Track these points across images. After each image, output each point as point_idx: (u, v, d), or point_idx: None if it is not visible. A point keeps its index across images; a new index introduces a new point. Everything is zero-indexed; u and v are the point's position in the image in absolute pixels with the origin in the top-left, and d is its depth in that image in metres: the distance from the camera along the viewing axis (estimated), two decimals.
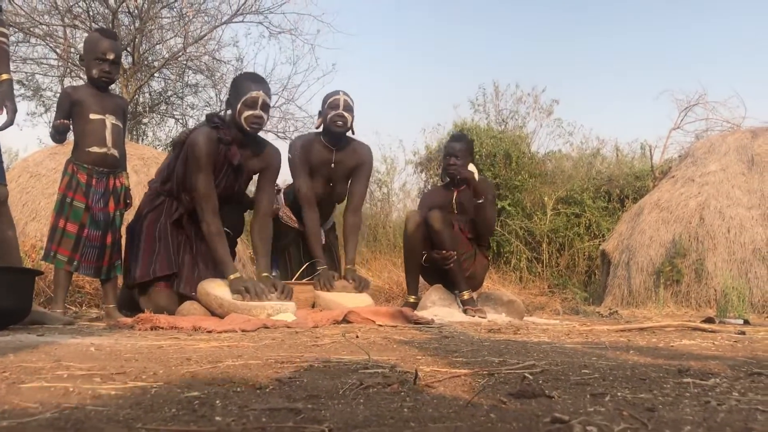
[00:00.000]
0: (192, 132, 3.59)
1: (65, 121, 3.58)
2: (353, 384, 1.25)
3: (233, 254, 4.13)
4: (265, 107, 3.60)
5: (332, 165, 4.33)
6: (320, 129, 4.33)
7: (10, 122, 3.18)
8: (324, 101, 4.30)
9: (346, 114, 4.20)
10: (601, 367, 1.57)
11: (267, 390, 1.21)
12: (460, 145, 4.43)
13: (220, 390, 1.19)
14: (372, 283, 6.39)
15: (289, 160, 4.32)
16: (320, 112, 4.32)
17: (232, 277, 3.46)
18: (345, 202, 4.55)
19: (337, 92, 4.28)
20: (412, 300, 4.43)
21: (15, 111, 3.19)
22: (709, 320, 4.09)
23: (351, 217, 4.39)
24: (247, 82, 3.64)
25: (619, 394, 1.18)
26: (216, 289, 3.49)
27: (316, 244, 4.19)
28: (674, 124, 10.93)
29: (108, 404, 1.06)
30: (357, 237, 4.41)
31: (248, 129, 3.55)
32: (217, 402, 1.08)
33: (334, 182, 4.40)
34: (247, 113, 3.53)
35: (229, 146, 3.59)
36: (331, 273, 4.08)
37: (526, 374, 1.22)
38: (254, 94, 3.55)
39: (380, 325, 3.22)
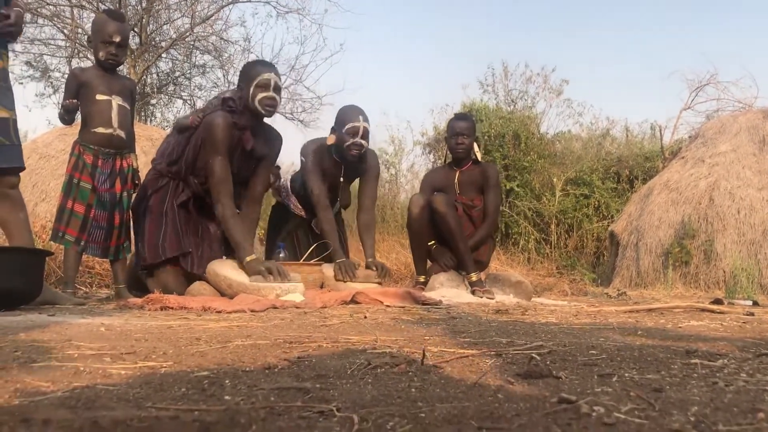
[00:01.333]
0: (208, 115, 3.59)
1: (74, 100, 3.59)
2: (361, 364, 1.26)
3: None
4: (278, 89, 3.61)
5: (341, 179, 4.37)
6: (331, 143, 4.22)
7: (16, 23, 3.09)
8: (340, 121, 4.18)
9: (364, 142, 4.16)
10: (608, 348, 1.58)
11: (276, 370, 1.22)
12: (467, 123, 4.43)
13: (229, 370, 1.20)
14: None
15: (302, 163, 4.31)
16: (334, 129, 4.21)
17: (248, 258, 3.47)
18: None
19: (356, 117, 4.14)
20: (422, 279, 4.44)
21: (21, 16, 3.10)
22: (717, 301, 4.08)
23: (364, 216, 4.38)
24: (257, 66, 3.68)
25: (626, 374, 1.18)
26: (225, 269, 3.51)
27: (335, 240, 4.16)
28: (685, 104, 10.85)
29: (118, 383, 1.07)
30: (373, 234, 4.40)
31: (263, 111, 3.56)
32: (227, 381, 1.09)
33: (341, 189, 4.44)
34: (261, 95, 3.54)
35: (243, 131, 3.61)
36: (353, 262, 4.08)
37: (534, 355, 1.22)
38: (266, 76, 3.57)
39: (388, 306, 3.23)
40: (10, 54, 3.28)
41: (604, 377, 1.15)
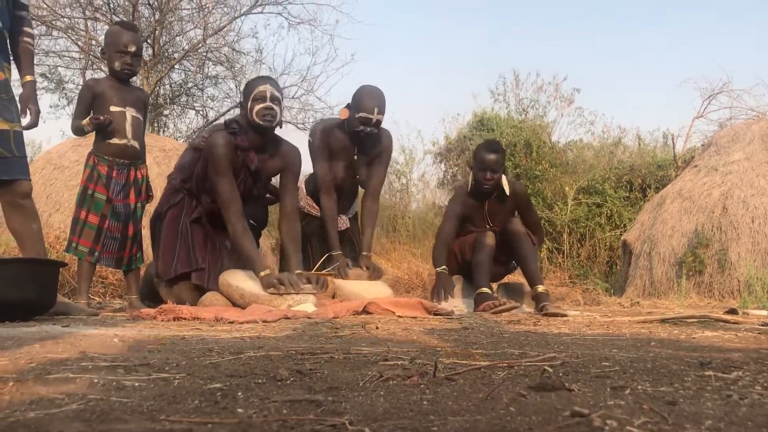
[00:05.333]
0: (210, 136, 3.62)
1: (107, 116, 3.61)
2: (373, 376, 1.26)
3: (258, 247, 4.17)
4: (275, 100, 3.60)
5: (355, 156, 4.31)
6: (344, 117, 4.19)
7: (33, 124, 3.24)
8: (356, 104, 4.11)
9: (374, 130, 4.13)
10: (621, 359, 1.57)
11: (288, 382, 1.22)
12: (497, 156, 4.10)
13: (242, 382, 1.21)
14: (391, 273, 6.40)
15: (309, 144, 4.29)
16: (349, 106, 4.16)
17: (262, 274, 3.48)
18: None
19: (372, 108, 4.06)
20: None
21: (38, 113, 3.26)
22: (732, 311, 4.05)
23: (369, 204, 4.36)
24: (253, 82, 3.72)
25: (639, 387, 1.17)
26: (237, 280, 3.52)
27: (332, 230, 4.17)
28: (697, 112, 10.79)
29: (132, 396, 1.07)
30: (374, 224, 4.40)
31: (261, 123, 3.56)
32: (239, 394, 1.09)
33: (356, 169, 4.36)
34: (257, 107, 3.55)
35: (247, 152, 3.62)
36: (345, 261, 4.09)
37: (546, 367, 1.22)
38: (261, 88, 3.59)
39: (400, 317, 3.23)
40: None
41: (617, 390, 1.15)
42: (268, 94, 3.58)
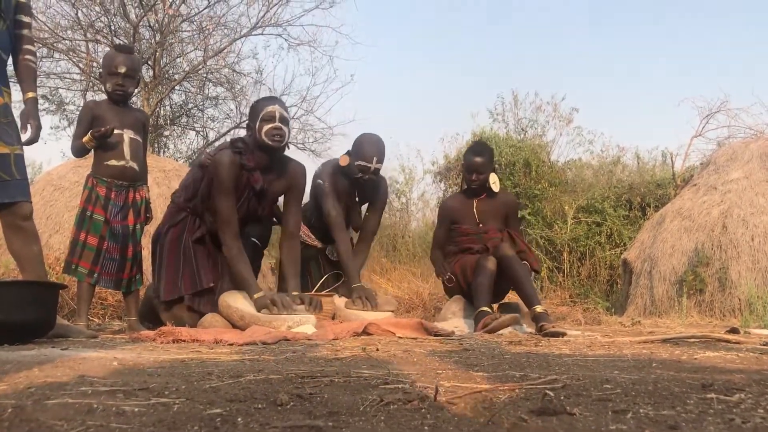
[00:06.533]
0: (215, 155, 3.63)
1: (107, 127, 3.62)
2: (374, 400, 1.25)
3: (258, 267, 4.16)
4: (284, 120, 3.63)
5: (356, 198, 4.40)
6: (343, 164, 4.22)
7: (34, 139, 3.24)
8: (356, 151, 4.18)
9: (373, 178, 4.20)
10: (623, 381, 1.56)
11: (288, 406, 1.22)
12: (482, 159, 4.34)
13: (241, 407, 1.20)
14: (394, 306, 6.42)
15: (318, 185, 4.30)
16: (349, 152, 4.23)
17: (256, 296, 3.48)
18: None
19: (371, 157, 4.13)
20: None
21: (39, 128, 3.26)
22: (733, 330, 4.03)
23: (361, 245, 4.44)
24: (261, 102, 3.73)
25: (641, 410, 1.17)
26: (237, 301, 3.51)
27: (351, 266, 4.14)
28: (696, 131, 10.80)
29: (131, 422, 1.07)
30: (363, 263, 4.45)
31: (270, 143, 3.57)
32: (239, 419, 1.09)
33: (353, 210, 4.44)
34: (266, 127, 3.56)
35: (252, 172, 3.63)
36: (372, 290, 4.09)
37: (547, 391, 1.21)
38: (270, 108, 3.61)
39: (400, 338, 3.22)
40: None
41: (618, 413, 1.14)
42: (277, 115, 3.60)
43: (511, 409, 1.17)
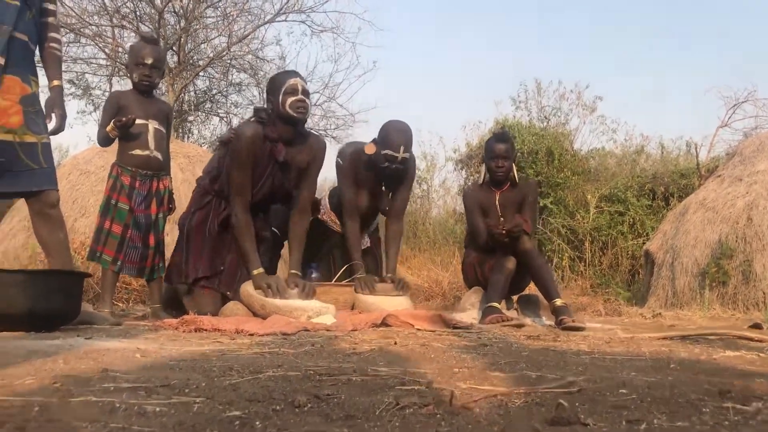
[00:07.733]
0: (239, 126, 3.66)
1: (129, 117, 3.67)
2: (389, 404, 1.27)
3: (279, 256, 4.20)
4: (306, 93, 3.64)
5: (382, 186, 4.31)
6: (369, 153, 4.15)
7: (59, 128, 3.28)
8: (382, 139, 4.10)
9: (400, 167, 4.12)
10: (639, 385, 1.56)
11: (305, 408, 1.24)
12: (506, 145, 4.29)
13: (260, 409, 1.22)
14: (411, 283, 6.39)
15: (338, 165, 4.28)
16: (375, 141, 4.16)
17: (255, 272, 3.54)
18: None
19: (398, 146, 4.04)
20: None
21: (64, 117, 3.30)
22: (756, 326, 4.00)
23: (394, 224, 4.34)
24: (282, 75, 3.75)
25: (655, 421, 1.17)
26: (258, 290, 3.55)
27: (355, 252, 4.17)
28: (721, 121, 10.66)
29: (152, 424, 1.09)
30: (399, 245, 4.40)
31: (295, 114, 3.58)
32: (257, 423, 1.11)
33: (380, 200, 4.37)
34: (290, 100, 3.57)
35: (276, 143, 3.64)
36: (372, 277, 4.09)
37: (561, 401, 1.22)
38: (292, 81, 3.62)
39: (419, 329, 3.24)
40: None
41: (632, 423, 1.15)
42: (300, 87, 3.61)
43: (524, 418, 1.18)
